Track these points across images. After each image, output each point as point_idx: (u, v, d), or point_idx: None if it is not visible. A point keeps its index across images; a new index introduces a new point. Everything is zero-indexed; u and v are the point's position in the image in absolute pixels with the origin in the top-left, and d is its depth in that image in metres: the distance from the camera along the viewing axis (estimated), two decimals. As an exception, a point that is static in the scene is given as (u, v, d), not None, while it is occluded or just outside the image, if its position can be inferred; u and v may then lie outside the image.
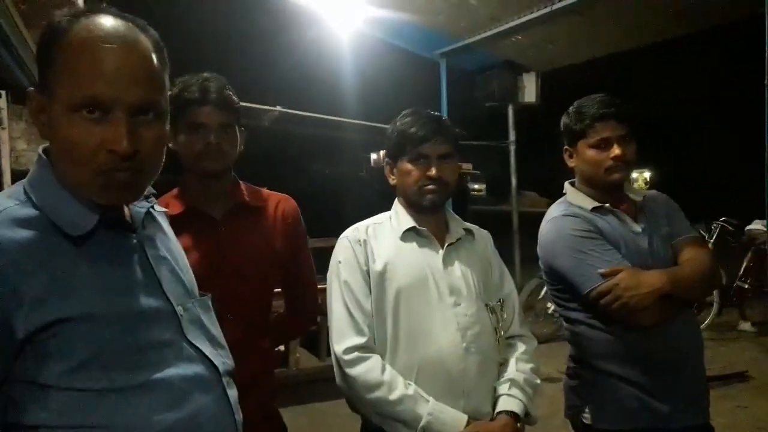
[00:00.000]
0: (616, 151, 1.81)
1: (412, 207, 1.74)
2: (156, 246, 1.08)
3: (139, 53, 0.96)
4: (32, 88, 0.98)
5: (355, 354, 1.58)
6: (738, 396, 4.49)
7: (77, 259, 0.93)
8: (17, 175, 3.61)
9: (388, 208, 1.82)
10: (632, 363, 1.77)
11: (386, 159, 1.80)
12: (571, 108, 1.92)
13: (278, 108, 5.55)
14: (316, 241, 2.75)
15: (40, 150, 1.01)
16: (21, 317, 0.86)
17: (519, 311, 1.81)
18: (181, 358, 1.01)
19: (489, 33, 4.54)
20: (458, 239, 1.75)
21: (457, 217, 1.83)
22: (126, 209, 1.05)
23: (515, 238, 5.70)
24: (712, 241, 6.69)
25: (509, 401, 1.63)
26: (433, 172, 1.66)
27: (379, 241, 1.70)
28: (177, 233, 1.64)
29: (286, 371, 4.75)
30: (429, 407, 1.53)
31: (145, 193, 1.07)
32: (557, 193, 2.04)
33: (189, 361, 1.02)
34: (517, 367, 1.69)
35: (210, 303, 1.17)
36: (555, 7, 3.95)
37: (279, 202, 1.86)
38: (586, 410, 1.84)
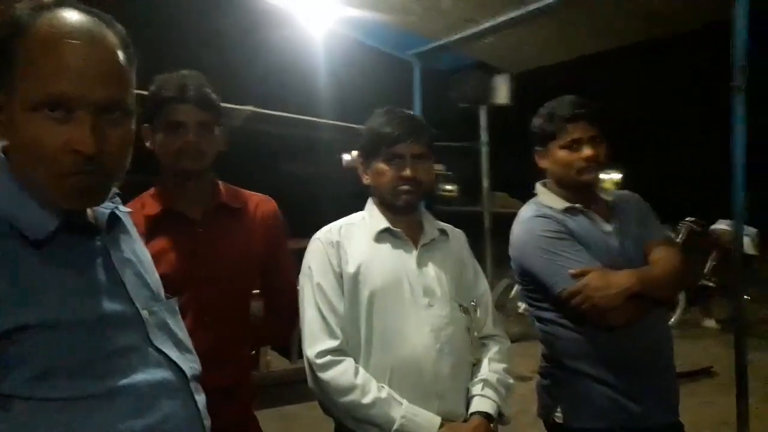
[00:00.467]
0: (587, 152, 1.83)
1: (387, 207, 1.73)
2: (120, 248, 1.05)
3: (105, 49, 0.93)
4: None
5: (328, 357, 1.56)
6: (703, 392, 4.59)
7: (38, 264, 0.89)
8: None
9: (362, 209, 1.81)
10: (603, 362, 1.79)
11: (360, 158, 1.79)
12: (542, 109, 1.94)
13: (250, 107, 5.48)
14: (289, 242, 2.72)
15: None
16: None
17: (493, 311, 1.82)
18: (148, 363, 0.98)
19: (463, 34, 4.55)
20: (432, 240, 1.75)
21: (431, 217, 1.82)
22: (89, 210, 1.02)
23: (487, 238, 5.73)
24: (679, 240, 6.83)
25: (482, 402, 1.63)
26: (407, 172, 1.65)
27: (353, 243, 1.69)
28: (154, 234, 1.61)
29: (257, 374, 4.70)
30: (402, 410, 1.53)
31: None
32: (528, 194, 2.05)
33: (155, 366, 0.99)
34: (490, 368, 1.70)
35: (176, 306, 1.14)
36: (528, 9, 3.98)
37: (259, 202, 1.84)
38: (558, 410, 1.86)
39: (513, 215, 2.00)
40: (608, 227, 1.88)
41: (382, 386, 1.56)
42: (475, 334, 1.72)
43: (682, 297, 6.56)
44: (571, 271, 1.74)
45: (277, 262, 1.86)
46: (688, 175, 21.35)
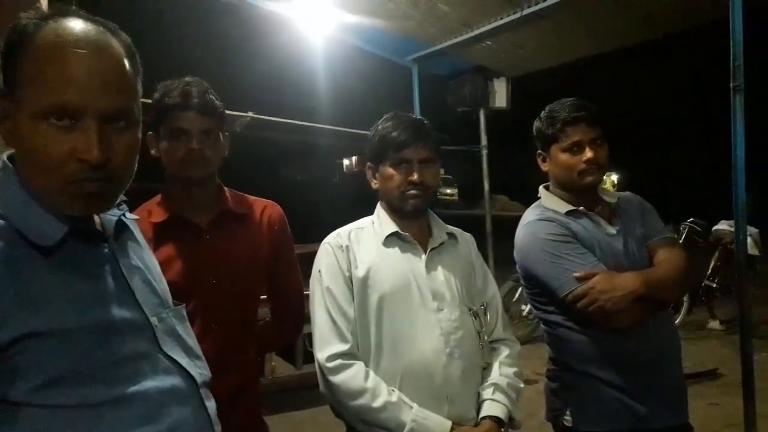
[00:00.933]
0: (588, 154, 1.83)
1: (395, 212, 1.73)
2: (128, 255, 1.05)
3: (111, 58, 0.93)
4: None
5: (339, 361, 1.56)
6: (709, 394, 4.56)
7: (46, 271, 0.89)
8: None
9: (362, 214, 1.81)
10: (611, 365, 1.78)
11: (368, 163, 1.79)
12: (543, 113, 1.94)
13: (250, 114, 5.49)
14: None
15: (4, 157, 0.97)
16: None
17: (502, 315, 1.81)
18: (158, 370, 0.98)
19: (460, 38, 4.57)
20: (441, 243, 1.75)
21: (440, 221, 1.82)
22: (96, 218, 1.02)
23: (489, 242, 5.73)
24: (681, 241, 6.82)
25: (493, 406, 1.62)
26: (415, 177, 1.66)
27: (362, 247, 1.69)
28: (161, 241, 1.61)
29: (262, 380, 4.68)
30: (413, 413, 1.52)
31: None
32: (527, 197, 2.05)
33: (165, 373, 0.99)
34: (500, 372, 1.69)
35: (184, 313, 1.14)
36: (524, 12, 4.00)
37: (264, 208, 1.84)
38: (567, 413, 1.85)
39: (513, 218, 2.00)
40: (612, 229, 1.88)
41: (393, 390, 1.56)
42: (486, 337, 1.72)
43: (685, 298, 6.54)
44: (576, 274, 1.74)
45: (283, 267, 1.86)
46: (688, 175, 21.36)
